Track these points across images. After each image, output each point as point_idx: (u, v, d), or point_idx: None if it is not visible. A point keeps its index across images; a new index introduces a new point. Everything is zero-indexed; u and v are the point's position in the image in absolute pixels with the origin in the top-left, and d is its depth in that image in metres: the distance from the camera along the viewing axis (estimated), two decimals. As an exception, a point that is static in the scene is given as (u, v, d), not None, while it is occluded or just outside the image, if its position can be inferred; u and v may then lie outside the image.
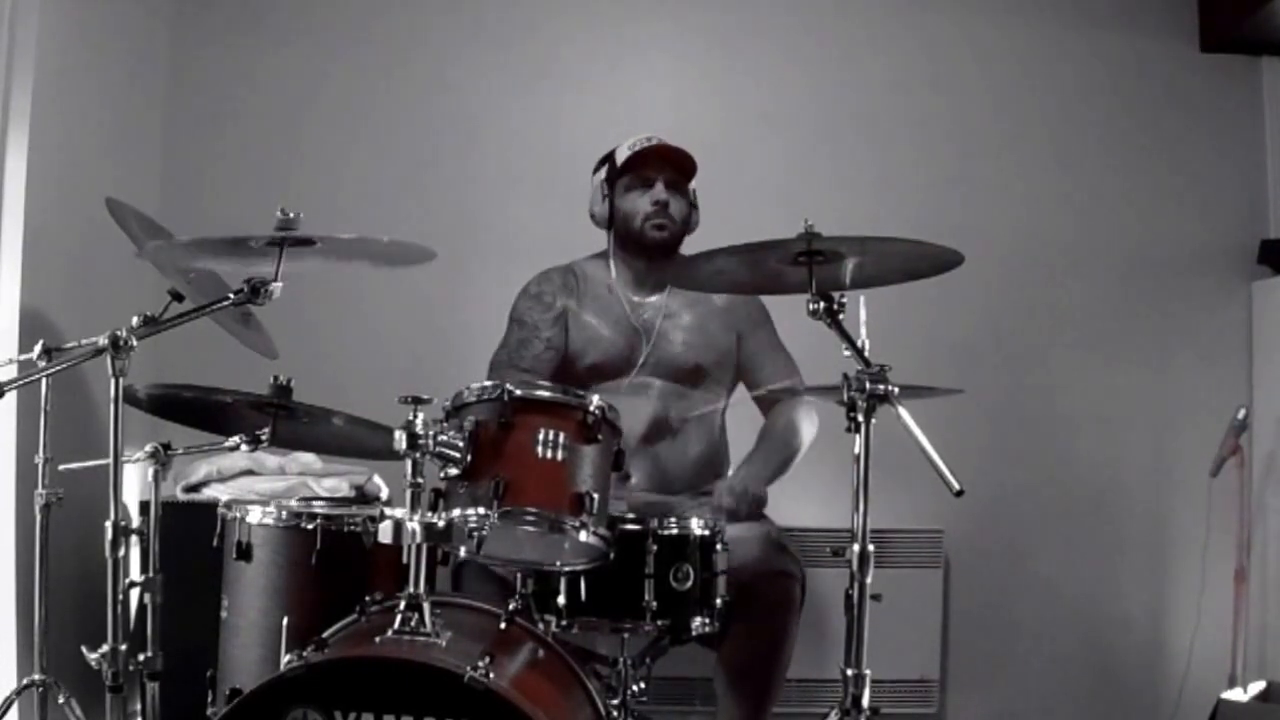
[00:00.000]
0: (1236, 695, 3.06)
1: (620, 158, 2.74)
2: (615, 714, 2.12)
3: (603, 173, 2.78)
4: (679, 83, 3.59)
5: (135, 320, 1.94)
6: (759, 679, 2.46)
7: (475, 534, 1.90)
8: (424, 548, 1.84)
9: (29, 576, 2.39)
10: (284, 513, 2.13)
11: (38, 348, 2.22)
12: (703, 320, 2.76)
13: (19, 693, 2.29)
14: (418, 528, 1.82)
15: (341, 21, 3.55)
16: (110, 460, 1.88)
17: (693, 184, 2.78)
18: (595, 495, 1.93)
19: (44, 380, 2.23)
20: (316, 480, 2.89)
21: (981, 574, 3.50)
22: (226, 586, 2.17)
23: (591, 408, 1.96)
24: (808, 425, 2.71)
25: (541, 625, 2.03)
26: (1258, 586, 3.31)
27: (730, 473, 2.69)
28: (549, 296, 2.76)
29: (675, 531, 2.15)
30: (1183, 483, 3.47)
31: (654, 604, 2.09)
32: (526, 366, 2.69)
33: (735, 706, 2.46)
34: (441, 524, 1.86)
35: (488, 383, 1.97)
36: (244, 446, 2.20)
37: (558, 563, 2.06)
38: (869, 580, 1.84)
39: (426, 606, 1.81)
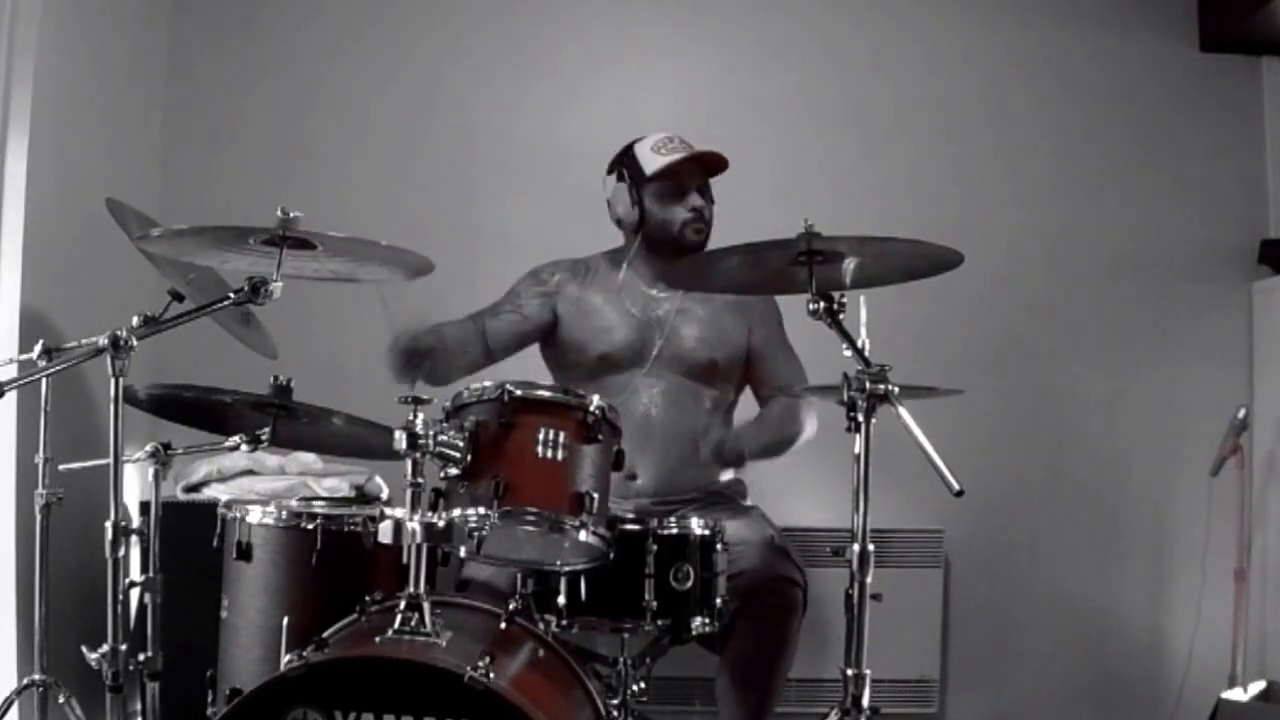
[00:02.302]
0: (1236, 695, 3.05)
1: (645, 161, 2.71)
2: (615, 714, 2.12)
3: (626, 176, 2.73)
4: (679, 83, 3.59)
5: (135, 320, 1.94)
6: (761, 681, 2.45)
7: (475, 534, 1.90)
8: (424, 548, 1.84)
9: (29, 576, 2.38)
10: (284, 513, 2.13)
11: (38, 348, 2.21)
12: (716, 314, 2.76)
13: (19, 693, 2.29)
14: (418, 528, 1.83)
15: (341, 21, 3.55)
16: (110, 460, 1.88)
17: None
18: (595, 495, 1.93)
19: (44, 380, 2.23)
20: (316, 480, 2.89)
21: (981, 574, 3.50)
22: (226, 586, 2.16)
23: (591, 407, 1.97)
24: (809, 421, 2.70)
25: (541, 625, 2.03)
26: (1258, 586, 3.31)
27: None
28: (546, 274, 2.79)
29: (675, 531, 2.15)
30: (1183, 483, 3.46)
31: (654, 604, 2.10)
32: (483, 327, 2.70)
33: (737, 707, 2.46)
34: (441, 524, 1.86)
35: (487, 383, 1.97)
36: (244, 446, 2.21)
37: (558, 562, 2.06)
38: (869, 580, 1.84)
39: (426, 606, 1.81)
